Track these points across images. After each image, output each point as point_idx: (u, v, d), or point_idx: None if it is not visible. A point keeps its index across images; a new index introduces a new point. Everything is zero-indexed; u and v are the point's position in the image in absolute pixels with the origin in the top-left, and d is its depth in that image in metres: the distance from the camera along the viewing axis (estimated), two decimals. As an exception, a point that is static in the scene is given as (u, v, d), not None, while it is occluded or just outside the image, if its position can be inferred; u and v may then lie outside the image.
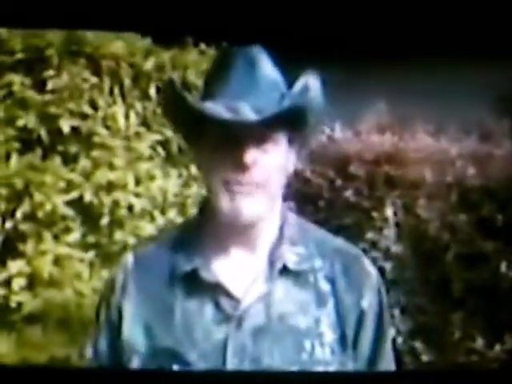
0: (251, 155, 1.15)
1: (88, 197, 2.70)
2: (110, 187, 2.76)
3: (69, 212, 2.68)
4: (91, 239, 2.75)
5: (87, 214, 2.76)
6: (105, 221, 2.73)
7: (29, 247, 2.58)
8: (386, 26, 2.03)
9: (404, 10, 1.90)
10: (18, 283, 2.51)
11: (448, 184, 3.72)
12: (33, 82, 2.80)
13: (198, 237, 1.29)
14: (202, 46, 3.40)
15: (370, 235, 3.82)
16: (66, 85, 2.77)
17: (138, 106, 2.92)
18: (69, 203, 2.68)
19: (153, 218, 2.82)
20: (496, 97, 4.50)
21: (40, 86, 2.80)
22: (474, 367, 3.56)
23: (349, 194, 3.90)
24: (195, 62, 3.19)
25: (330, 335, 1.25)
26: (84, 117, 2.80)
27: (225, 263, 1.26)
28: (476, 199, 3.64)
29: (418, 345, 3.67)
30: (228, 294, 1.22)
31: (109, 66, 2.90)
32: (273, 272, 1.24)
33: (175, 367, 1.22)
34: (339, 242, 1.36)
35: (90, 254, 2.67)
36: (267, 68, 1.22)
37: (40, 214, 2.59)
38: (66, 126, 2.73)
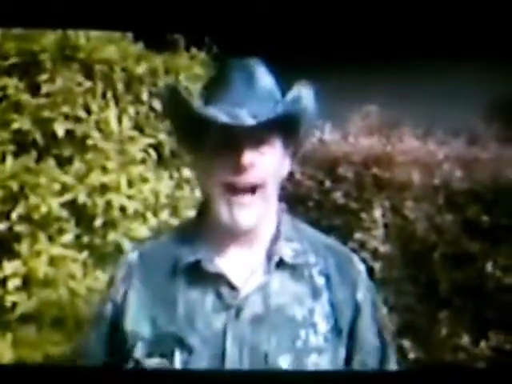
0: (249, 157, 1.26)
1: (82, 198, 2.72)
2: (104, 189, 2.78)
3: (63, 213, 2.70)
4: (85, 240, 2.77)
5: (81, 215, 2.78)
6: (98, 222, 2.76)
7: (24, 248, 2.59)
8: (376, 31, 2.12)
9: (394, 15, 1.98)
10: (14, 283, 2.52)
11: (435, 186, 3.80)
12: (27, 85, 2.82)
13: (199, 234, 1.39)
14: (193, 50, 3.47)
15: (358, 236, 3.89)
16: (59, 89, 2.78)
17: (131, 109, 2.96)
18: (63, 205, 2.69)
19: (145, 220, 2.86)
20: (484, 101, 4.58)
21: (34, 90, 2.82)
22: (461, 364, 3.63)
23: (338, 195, 3.97)
24: (186, 66, 3.26)
25: (323, 325, 1.34)
26: (78, 120, 2.82)
27: (225, 256, 1.36)
28: (462, 201, 3.72)
29: (406, 343, 3.74)
30: (229, 284, 1.32)
31: (102, 71, 2.93)
32: (270, 265, 1.34)
33: (178, 353, 1.29)
34: (330, 240, 1.50)
35: (84, 255, 2.69)
36: (263, 78, 1.34)
37: (35, 216, 2.61)
38: (60, 129, 2.75)
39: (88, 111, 2.88)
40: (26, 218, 2.63)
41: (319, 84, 4.01)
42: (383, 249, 3.88)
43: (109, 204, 2.77)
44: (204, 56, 3.52)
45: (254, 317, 1.32)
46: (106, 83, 2.94)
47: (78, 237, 2.77)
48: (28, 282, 2.58)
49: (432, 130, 4.17)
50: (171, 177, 3.11)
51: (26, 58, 2.83)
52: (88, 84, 2.89)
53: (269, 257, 1.36)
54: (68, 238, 2.71)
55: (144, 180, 2.93)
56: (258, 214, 1.32)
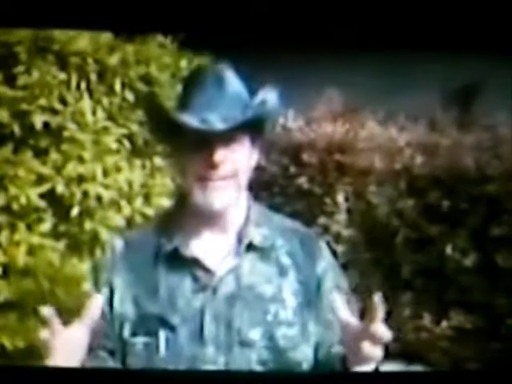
0: (220, 155, 1.41)
1: (59, 189, 2.81)
2: (80, 179, 2.87)
3: (41, 203, 2.78)
4: (62, 229, 2.86)
5: (58, 205, 2.85)
6: (75, 211, 2.85)
7: (3, 238, 2.67)
8: (338, 17, 2.19)
9: (356, 3, 2.10)
10: None
11: (396, 171, 4.00)
12: (3, 78, 2.86)
13: (176, 222, 1.54)
14: (160, 38, 3.53)
15: (322, 220, 4.08)
16: (36, 81, 2.85)
17: (105, 101, 3.03)
18: (41, 195, 2.77)
19: (120, 208, 2.97)
20: (443, 87, 4.76)
21: (11, 82, 2.87)
22: (423, 344, 3.85)
23: (302, 180, 4.16)
24: (157, 56, 3.33)
25: (292, 301, 1.50)
26: (54, 112, 2.89)
27: (200, 242, 1.52)
28: (423, 186, 3.94)
29: None
30: (204, 268, 1.47)
31: (76, 62, 2.98)
32: (240, 248, 1.50)
33: (161, 331, 1.44)
34: (295, 224, 1.66)
35: (62, 243, 2.79)
36: (232, 82, 1.48)
37: (14, 206, 2.68)
38: (38, 121, 2.81)
39: (64, 103, 2.94)
40: (5, 209, 2.70)
41: (282, 71, 4.16)
42: (346, 233, 4.07)
43: (85, 193, 2.86)
44: (172, 44, 3.57)
45: (228, 295, 1.47)
46: (79, 75, 2.99)
47: (55, 226, 2.85)
48: (8, 271, 2.66)
49: (393, 115, 4.38)
50: (144, 166, 3.18)
51: (1, 50, 2.88)
52: (63, 76, 2.95)
53: (239, 241, 1.52)
54: (46, 227, 2.79)
55: (118, 169, 3.01)
56: (230, 198, 1.47)
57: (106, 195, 2.92)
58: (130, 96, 3.08)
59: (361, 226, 4.07)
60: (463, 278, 3.81)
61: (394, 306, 3.85)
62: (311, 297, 1.53)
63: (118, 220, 2.95)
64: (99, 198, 2.91)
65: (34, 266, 2.69)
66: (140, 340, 1.47)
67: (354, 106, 4.36)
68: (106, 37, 3.18)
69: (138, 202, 3.05)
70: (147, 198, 3.12)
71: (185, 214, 1.56)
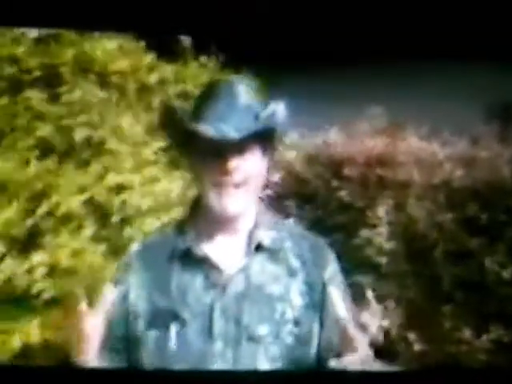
0: (233, 163, 1.52)
1: (99, 197, 3.02)
2: (119, 189, 3.08)
3: (82, 211, 2.98)
4: (103, 234, 3.06)
5: (99, 212, 3.06)
6: (115, 219, 3.05)
7: (48, 241, 2.88)
8: (382, 32, 2.21)
9: (398, 17, 2.11)
10: (40, 272, 2.81)
11: (436, 185, 3.98)
12: (48, 96, 3.13)
13: (191, 225, 1.65)
14: (202, 59, 3.81)
15: (364, 233, 4.16)
16: (78, 99, 3.10)
17: (143, 116, 3.27)
18: (83, 203, 2.97)
19: (158, 216, 3.12)
20: (485, 102, 4.77)
21: (55, 100, 3.13)
22: (463, 356, 3.88)
23: (343, 194, 4.27)
24: (194, 75, 3.57)
25: (298, 300, 1.58)
26: (95, 127, 3.11)
27: (212, 243, 1.62)
28: (462, 199, 3.91)
29: (411, 335, 3.99)
30: (215, 266, 1.57)
31: (116, 82, 3.26)
32: (250, 249, 1.60)
33: (173, 325, 1.54)
34: (305, 231, 1.77)
35: (102, 247, 2.97)
36: (245, 95, 1.58)
37: (57, 213, 2.89)
38: (79, 135, 3.04)
39: (104, 118, 3.16)
40: (49, 215, 2.90)
41: (326, 86, 4.35)
42: (388, 245, 4.16)
43: (124, 202, 3.06)
44: (212, 64, 3.82)
45: (237, 294, 1.56)
46: (120, 93, 3.26)
47: (96, 232, 3.04)
48: (52, 272, 2.85)
49: (437, 130, 4.43)
50: (182, 177, 3.32)
51: (47, 71, 3.14)
52: (104, 94, 3.21)
53: (249, 242, 1.61)
54: (87, 232, 2.99)
55: (156, 180, 3.21)
56: (242, 203, 1.58)
57: (144, 204, 3.10)
58: (166, 112, 3.30)
59: (402, 238, 4.04)
60: (503, 290, 3.75)
61: (434, 318, 3.84)
62: (316, 299, 1.61)
63: (155, 227, 3.08)
64: (137, 207, 3.09)
65: (76, 268, 2.87)
66: (152, 333, 1.56)
67: (396, 122, 4.39)
68: (147, 57, 3.47)
69: (175, 210, 3.17)
70: (184, 207, 3.31)
71: (199, 217, 1.66)
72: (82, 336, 1.44)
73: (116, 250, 3.01)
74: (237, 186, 1.55)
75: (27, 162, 2.99)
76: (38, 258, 2.84)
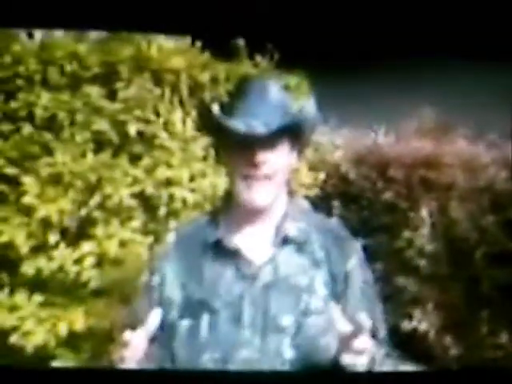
0: (261, 156, 1.60)
1: (149, 190, 3.12)
2: (168, 183, 3.18)
3: (133, 203, 3.09)
4: (151, 227, 3.17)
5: (148, 205, 3.17)
6: (162, 211, 3.15)
7: (99, 231, 3.00)
8: (431, 36, 2.24)
9: (446, 20, 2.12)
10: (89, 261, 2.93)
11: (479, 188, 4.04)
12: (106, 92, 3.24)
13: (222, 217, 1.73)
14: (257, 58, 3.83)
15: (406, 234, 4.23)
16: (133, 95, 3.20)
17: (194, 113, 3.29)
18: (133, 195, 3.09)
19: (203, 210, 3.05)
20: None
21: (112, 96, 3.24)
22: (500, 361, 3.91)
23: (388, 195, 4.35)
24: (246, 73, 3.62)
25: (322, 291, 1.65)
26: (148, 122, 3.22)
27: (242, 235, 1.69)
28: (504, 202, 3.94)
29: (448, 340, 4.00)
30: (244, 258, 1.65)
31: (170, 79, 3.34)
32: (278, 241, 1.66)
33: (205, 315, 1.62)
34: (331, 222, 1.83)
35: (150, 239, 3.07)
36: (275, 93, 1.67)
37: (109, 204, 3.01)
38: (132, 129, 3.15)
39: (157, 114, 3.26)
40: (101, 206, 3.02)
41: (375, 88, 4.43)
42: (429, 247, 4.17)
43: (172, 196, 3.16)
44: (266, 63, 3.85)
45: (266, 284, 1.63)
46: (172, 89, 3.33)
47: (144, 223, 3.16)
48: (101, 261, 2.98)
49: (482, 133, 4.41)
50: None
51: (105, 68, 3.25)
52: (157, 91, 3.29)
53: (277, 234, 1.68)
54: (136, 224, 3.10)
55: (204, 175, 3.30)
56: (270, 195, 1.64)
57: (191, 198, 3.19)
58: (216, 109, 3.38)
59: (443, 240, 4.12)
60: (542, 295, 3.74)
61: (472, 322, 3.93)
62: (339, 290, 1.67)
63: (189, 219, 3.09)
64: (185, 200, 3.19)
65: (124, 258, 2.98)
66: (185, 322, 1.64)
67: (444, 123, 4.44)
68: (201, 56, 3.54)
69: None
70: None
71: (230, 209, 1.73)
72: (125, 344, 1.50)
73: (162, 242, 3.10)
74: (265, 178, 1.62)
75: (83, 155, 3.10)
76: (87, 247, 2.96)
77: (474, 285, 3.97)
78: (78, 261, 2.96)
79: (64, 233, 3.03)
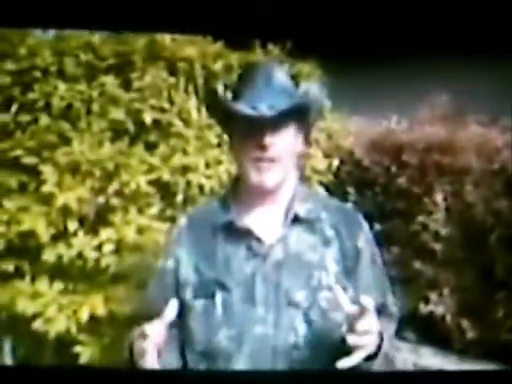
0: (268, 139, 1.62)
1: (166, 177, 3.15)
2: (184, 170, 3.21)
3: (150, 190, 3.12)
4: (168, 213, 3.20)
5: (165, 192, 3.21)
6: (179, 198, 3.18)
7: (117, 218, 3.03)
8: (442, 22, 2.20)
9: (458, 4, 2.15)
10: (108, 248, 2.96)
11: (494, 171, 3.98)
12: (121, 82, 3.28)
13: (233, 199, 1.75)
14: (269, 46, 3.85)
15: (420, 219, 4.21)
16: (148, 84, 3.24)
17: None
18: (150, 182, 3.12)
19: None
20: None
21: (127, 86, 3.28)
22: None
23: (402, 180, 4.32)
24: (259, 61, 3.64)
25: (333, 267, 1.67)
26: (163, 111, 3.25)
27: (253, 215, 1.72)
28: None
29: (464, 322, 3.93)
30: (256, 238, 1.67)
31: (184, 68, 3.37)
32: (288, 220, 1.69)
33: (218, 293, 1.65)
34: (338, 202, 1.86)
35: (167, 225, 3.05)
36: (280, 77, 1.69)
37: (127, 191, 3.04)
38: (148, 118, 3.19)
39: (172, 103, 3.30)
40: (119, 193, 3.06)
41: (389, 74, 4.41)
42: (444, 231, 4.11)
43: (188, 182, 3.19)
44: (278, 51, 3.87)
45: (277, 262, 1.66)
46: (187, 78, 3.36)
47: (162, 210, 3.19)
48: (119, 248, 3.00)
49: (497, 119, 4.33)
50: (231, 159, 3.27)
51: (120, 58, 3.30)
52: (172, 79, 3.33)
53: (287, 214, 1.71)
54: (154, 210, 3.13)
55: (219, 162, 3.33)
56: (279, 177, 1.67)
57: (207, 184, 3.22)
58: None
59: (458, 224, 4.08)
60: (558, 277, 3.67)
61: (488, 305, 3.89)
62: (350, 266, 1.70)
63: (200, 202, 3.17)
64: (201, 187, 3.22)
65: (142, 244, 3.01)
66: (200, 302, 1.67)
67: (458, 109, 4.37)
68: (213, 45, 3.56)
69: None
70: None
71: (240, 191, 1.77)
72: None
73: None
74: (273, 160, 1.64)
75: (100, 144, 3.14)
76: (106, 234, 2.99)
77: (489, 268, 3.93)
78: (97, 248, 3.00)
79: (83, 220, 3.06)
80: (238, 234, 1.70)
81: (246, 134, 1.65)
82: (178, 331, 1.67)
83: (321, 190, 3.52)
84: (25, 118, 3.16)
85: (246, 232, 1.69)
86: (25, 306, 2.92)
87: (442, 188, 4.15)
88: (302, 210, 1.72)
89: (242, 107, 1.62)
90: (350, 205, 1.93)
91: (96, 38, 3.27)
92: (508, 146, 4.03)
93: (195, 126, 3.34)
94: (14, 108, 3.20)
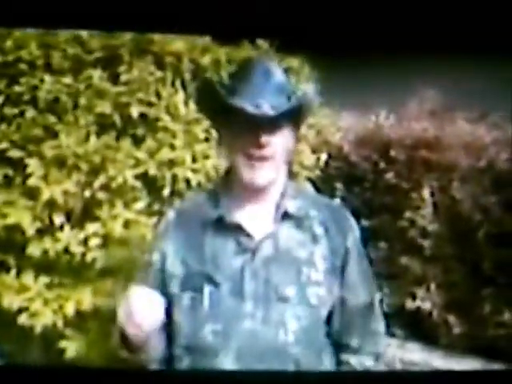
0: (265, 137, 1.60)
1: (152, 171, 3.12)
2: (171, 164, 3.17)
3: (137, 184, 3.09)
4: (155, 207, 3.16)
5: (152, 186, 3.17)
6: (166, 192, 3.14)
7: (103, 212, 2.99)
8: (431, 19, 2.16)
9: (454, 3, 2.11)
10: (94, 242, 2.93)
11: (481, 168, 3.99)
12: (108, 75, 3.23)
13: (223, 194, 1.74)
14: (258, 41, 3.79)
15: (408, 214, 4.21)
16: (135, 78, 3.19)
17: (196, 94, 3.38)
18: (137, 177, 3.08)
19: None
20: None
21: (114, 79, 3.23)
22: (503, 339, 3.91)
23: (390, 176, 4.31)
24: (247, 57, 3.52)
25: (322, 265, 1.67)
26: (150, 105, 3.21)
27: (243, 211, 1.70)
28: (506, 182, 3.89)
29: (451, 318, 3.94)
30: (245, 233, 1.65)
31: (172, 62, 3.33)
32: (277, 216, 1.68)
33: (206, 287, 1.63)
34: (328, 200, 1.88)
35: (154, 220, 3.02)
36: (278, 75, 1.68)
37: (113, 185, 3.00)
38: (135, 112, 3.14)
39: (159, 97, 3.25)
40: (105, 187, 3.02)
41: (375, 70, 4.40)
42: (431, 227, 4.11)
43: (175, 176, 3.15)
44: (267, 46, 3.82)
45: (266, 257, 1.65)
46: (174, 73, 3.32)
47: (149, 204, 3.16)
48: (106, 242, 2.97)
49: (484, 114, 4.34)
50: (219, 154, 3.21)
51: (107, 52, 3.25)
52: (159, 73, 3.28)
53: (276, 210, 1.71)
54: (140, 205, 3.09)
55: (206, 156, 3.28)
56: (271, 175, 1.66)
57: (194, 179, 3.18)
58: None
59: (445, 220, 4.09)
60: (546, 274, 3.65)
61: (475, 301, 3.90)
62: (338, 264, 1.71)
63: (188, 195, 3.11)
64: (188, 181, 3.18)
65: (129, 239, 2.98)
66: (187, 295, 1.66)
67: (446, 105, 4.38)
68: (201, 39, 3.51)
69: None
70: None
71: (230, 187, 1.75)
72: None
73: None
74: (266, 159, 1.63)
75: (87, 137, 3.10)
76: (92, 228, 2.95)
77: (477, 264, 3.94)
78: (84, 242, 2.97)
79: (69, 214, 3.03)
80: (227, 228, 1.69)
81: (242, 130, 1.63)
82: (164, 325, 1.65)
83: (308, 186, 3.48)
84: (11, 111, 3.11)
85: (236, 227, 1.69)
86: (10, 301, 2.89)
87: (430, 184, 4.14)
88: (291, 206, 1.72)
89: (244, 104, 1.60)
90: (338, 202, 1.91)
91: (83, 31, 3.20)
92: (496, 143, 4.02)
93: (182, 121, 3.30)
94: (-1, 101, 3.09)
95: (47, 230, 2.99)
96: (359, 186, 4.42)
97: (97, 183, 3.02)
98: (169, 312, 1.65)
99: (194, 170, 3.23)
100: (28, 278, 2.98)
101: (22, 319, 2.87)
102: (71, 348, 2.95)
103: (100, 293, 2.96)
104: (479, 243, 3.95)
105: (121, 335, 1.59)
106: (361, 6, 2.13)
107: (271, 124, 1.62)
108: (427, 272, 4.15)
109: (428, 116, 4.34)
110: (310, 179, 3.95)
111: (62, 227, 2.99)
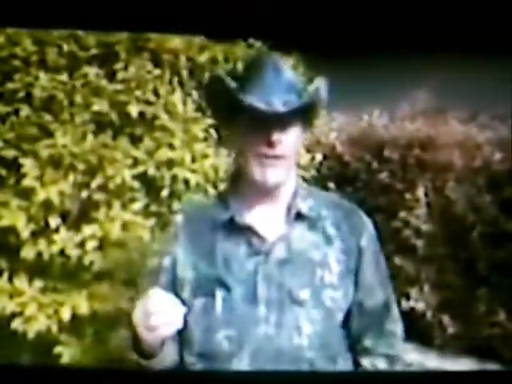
0: (277, 136, 1.53)
1: (151, 172, 3.03)
2: (170, 164, 3.08)
3: (135, 184, 3.00)
4: (153, 208, 3.08)
5: (150, 186, 3.08)
6: (165, 193, 3.06)
7: (100, 214, 2.88)
8: (423, 20, 2.13)
9: (441, 4, 2.08)
10: (91, 245, 2.82)
11: (475, 168, 3.95)
12: (105, 73, 3.14)
13: (233, 196, 1.67)
14: (251, 40, 3.74)
15: (402, 214, 4.17)
16: (132, 76, 3.10)
17: (194, 94, 3.26)
18: (135, 177, 2.99)
19: (206, 191, 3.13)
20: None
21: (111, 77, 3.14)
22: (497, 339, 3.89)
23: (384, 176, 4.27)
24: (244, 55, 3.54)
25: (336, 267, 1.60)
26: (148, 103, 3.12)
27: (254, 212, 1.63)
28: (501, 182, 3.89)
29: (445, 318, 3.93)
30: (257, 235, 1.58)
31: (169, 60, 3.25)
32: (290, 218, 1.61)
33: (218, 291, 1.56)
34: (340, 199, 1.79)
35: (152, 221, 2.96)
36: (288, 72, 1.61)
37: (111, 186, 2.90)
38: (133, 111, 3.05)
39: (157, 95, 3.16)
40: (102, 188, 2.92)
41: (369, 70, 4.35)
42: (425, 227, 4.08)
43: (174, 177, 3.07)
44: (259, 45, 3.78)
45: (279, 260, 1.58)
46: (172, 71, 3.24)
47: (147, 205, 3.06)
48: (103, 244, 2.86)
49: (476, 114, 4.35)
50: (229, 154, 3.27)
51: (104, 49, 3.16)
52: (157, 71, 3.20)
53: (289, 211, 1.64)
54: (138, 206, 2.99)
55: (205, 156, 3.19)
56: (282, 175, 1.58)
57: (193, 179, 3.09)
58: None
59: (439, 220, 4.05)
60: (540, 274, 3.63)
61: (470, 301, 3.87)
62: (352, 265, 1.64)
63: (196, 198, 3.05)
64: (187, 182, 3.10)
65: (126, 241, 2.88)
66: (199, 300, 1.59)
67: (438, 106, 4.36)
68: (198, 38, 3.42)
69: (223, 186, 3.06)
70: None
71: (240, 187, 1.68)
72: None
73: (164, 225, 2.99)
74: (277, 157, 1.56)
75: (84, 136, 3.01)
76: (89, 230, 2.85)
77: (471, 264, 3.92)
78: (80, 244, 2.87)
79: (65, 216, 2.92)
80: (238, 230, 1.62)
81: (253, 128, 1.56)
82: (176, 333, 1.55)
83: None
84: (4, 109, 3.00)
85: (247, 229, 1.62)
86: (3, 305, 2.79)
87: (424, 184, 4.11)
88: (304, 207, 1.66)
89: (254, 100, 1.52)
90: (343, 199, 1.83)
91: (79, 31, 3.10)
92: (489, 143, 4.00)
93: (181, 119, 3.21)
94: (-8, 98, 2.97)
95: (42, 232, 2.88)
96: (352, 186, 4.37)
97: (94, 184, 2.92)
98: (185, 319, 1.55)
99: (193, 170, 3.15)
100: (21, 281, 2.87)
101: (16, 324, 2.76)
102: (66, 354, 2.84)
103: (96, 297, 2.87)
104: (473, 243, 3.94)
105: (134, 338, 1.51)
106: (354, 7, 2.08)
107: (282, 122, 1.55)
108: (421, 272, 4.12)
109: (420, 116, 4.29)
110: (303, 179, 3.88)
111: (57, 229, 2.88)
